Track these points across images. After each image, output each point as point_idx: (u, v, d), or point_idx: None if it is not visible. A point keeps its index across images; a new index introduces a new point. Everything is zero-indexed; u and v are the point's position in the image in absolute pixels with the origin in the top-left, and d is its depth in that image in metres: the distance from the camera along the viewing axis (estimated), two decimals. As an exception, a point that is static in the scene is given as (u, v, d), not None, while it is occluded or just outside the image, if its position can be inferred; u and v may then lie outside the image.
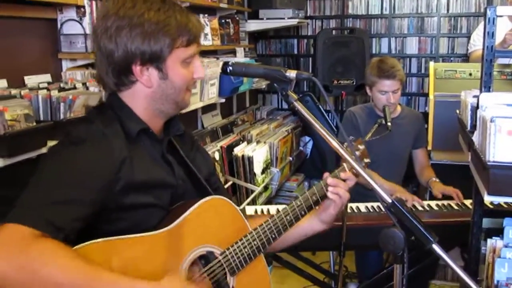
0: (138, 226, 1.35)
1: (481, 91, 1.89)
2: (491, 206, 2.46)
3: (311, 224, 1.74)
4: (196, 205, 1.43)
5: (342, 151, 1.34)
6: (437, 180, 3.07)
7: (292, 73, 1.38)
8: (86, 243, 1.21)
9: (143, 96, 1.43)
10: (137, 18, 1.36)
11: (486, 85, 1.88)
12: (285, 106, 5.60)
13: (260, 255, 1.54)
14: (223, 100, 3.94)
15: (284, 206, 1.67)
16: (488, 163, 1.50)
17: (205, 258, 1.42)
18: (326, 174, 1.72)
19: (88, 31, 2.55)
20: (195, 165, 1.58)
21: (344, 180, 1.69)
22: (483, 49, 1.88)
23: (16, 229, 1.11)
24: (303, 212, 1.65)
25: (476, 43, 4.01)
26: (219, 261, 1.44)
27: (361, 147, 1.86)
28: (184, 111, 1.56)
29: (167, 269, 1.31)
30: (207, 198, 1.47)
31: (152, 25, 1.36)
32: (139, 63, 1.38)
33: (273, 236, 1.56)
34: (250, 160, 3.57)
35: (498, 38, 3.30)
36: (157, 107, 1.45)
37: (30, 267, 1.06)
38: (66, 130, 1.39)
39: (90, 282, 1.12)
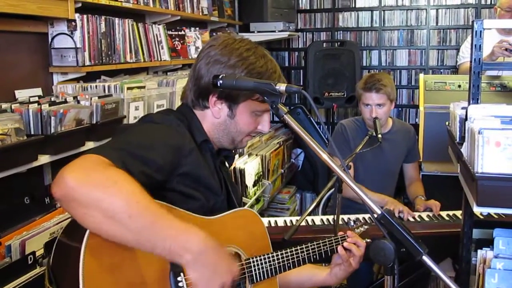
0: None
1: (469, 103, 1.91)
2: (481, 217, 2.47)
3: (324, 276, 1.86)
4: (232, 210, 1.58)
5: (331, 164, 1.35)
6: (422, 197, 3.09)
7: (282, 87, 1.37)
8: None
9: (210, 122, 1.61)
10: (235, 61, 1.53)
11: (474, 97, 1.90)
12: (276, 118, 5.61)
13: (276, 277, 1.63)
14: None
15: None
16: (477, 175, 1.51)
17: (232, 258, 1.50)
18: (342, 232, 1.85)
19: (79, 45, 2.56)
20: (233, 193, 1.72)
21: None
22: (471, 61, 1.90)
23: (97, 156, 1.21)
24: (314, 256, 1.74)
25: (465, 55, 4.05)
26: (242, 264, 1.52)
27: (366, 226, 1.98)
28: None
29: None
30: (242, 207, 1.65)
31: (242, 72, 1.52)
32: (216, 96, 1.56)
33: (289, 265, 1.66)
34: (242, 172, 3.57)
35: (487, 50, 3.34)
36: (216, 137, 1.63)
37: (103, 183, 1.14)
38: (143, 116, 1.60)
39: (149, 211, 1.18)
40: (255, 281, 1.55)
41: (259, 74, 1.53)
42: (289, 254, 1.66)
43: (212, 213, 1.52)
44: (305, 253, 1.71)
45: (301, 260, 1.69)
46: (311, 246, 1.74)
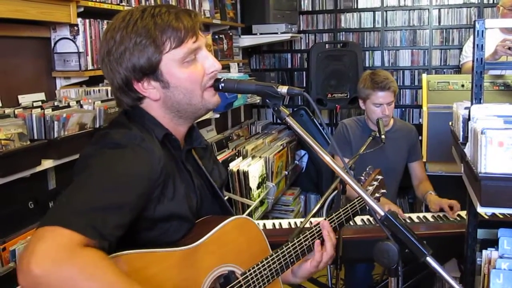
0: (166, 237, 1.36)
1: (472, 103, 1.91)
2: (486, 217, 2.47)
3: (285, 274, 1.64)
4: (221, 224, 1.42)
5: (334, 166, 1.35)
6: (433, 193, 3.05)
7: (283, 89, 1.37)
8: (115, 254, 1.20)
9: (157, 107, 1.41)
10: (119, 37, 1.33)
11: (476, 97, 1.90)
12: (279, 120, 5.60)
13: (278, 278, 1.54)
14: (217, 116, 3.96)
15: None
16: (480, 175, 1.51)
17: (226, 278, 1.41)
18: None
19: (81, 50, 2.57)
20: (212, 177, 1.58)
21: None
22: (473, 61, 1.90)
23: (64, 233, 1.06)
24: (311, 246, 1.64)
25: (468, 54, 4.03)
26: (239, 281, 1.42)
27: (379, 177, 1.86)
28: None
29: (188, 286, 1.32)
30: (233, 218, 1.46)
31: (132, 39, 1.32)
32: (136, 80, 1.36)
33: (292, 260, 1.55)
34: (246, 175, 3.57)
35: (489, 50, 3.33)
36: (174, 114, 1.42)
37: (73, 279, 1.04)
38: (102, 133, 1.36)
39: None
40: None
41: (145, 25, 1.32)
42: (290, 248, 1.54)
43: (199, 213, 1.46)
44: (309, 239, 1.60)
45: (305, 249, 1.58)
46: (316, 229, 1.62)
